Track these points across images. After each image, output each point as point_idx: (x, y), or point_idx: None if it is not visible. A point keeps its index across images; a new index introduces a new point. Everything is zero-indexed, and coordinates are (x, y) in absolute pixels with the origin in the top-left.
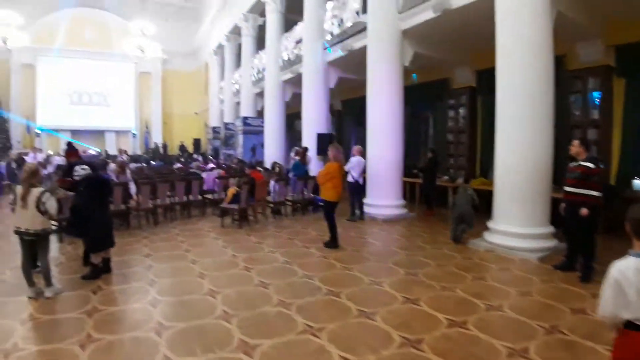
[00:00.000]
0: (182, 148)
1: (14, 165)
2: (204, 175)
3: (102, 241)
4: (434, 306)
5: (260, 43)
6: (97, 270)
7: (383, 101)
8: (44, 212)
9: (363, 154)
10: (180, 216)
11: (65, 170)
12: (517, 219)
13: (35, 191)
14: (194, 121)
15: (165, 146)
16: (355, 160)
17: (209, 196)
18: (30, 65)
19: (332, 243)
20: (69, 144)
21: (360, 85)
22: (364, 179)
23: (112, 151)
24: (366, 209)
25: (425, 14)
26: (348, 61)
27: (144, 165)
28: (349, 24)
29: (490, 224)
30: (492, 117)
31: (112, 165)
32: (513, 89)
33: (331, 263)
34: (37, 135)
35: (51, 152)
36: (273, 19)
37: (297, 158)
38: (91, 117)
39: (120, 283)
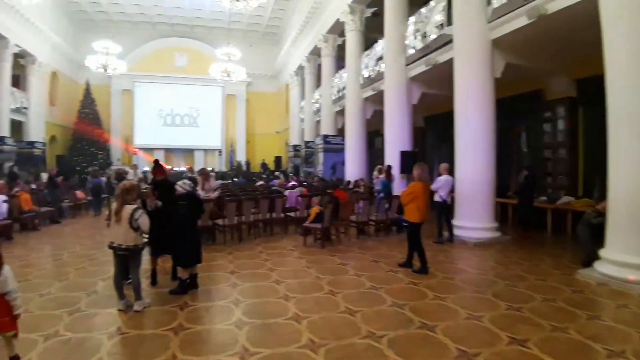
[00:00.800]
0: (264, 166)
1: (114, 180)
2: (286, 193)
3: (192, 257)
4: (546, 350)
5: (339, 62)
6: (185, 286)
7: (473, 116)
8: (136, 229)
9: (451, 171)
10: (263, 233)
11: (153, 187)
12: (636, 248)
13: (129, 208)
14: (276, 140)
15: (248, 164)
16: (443, 179)
17: (292, 214)
18: (128, 91)
19: (422, 269)
20: (156, 162)
21: (444, 100)
22: (452, 199)
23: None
24: (455, 231)
25: (518, 21)
26: (432, 76)
27: (229, 182)
28: (432, 37)
29: (603, 252)
30: (597, 131)
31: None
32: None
33: (422, 291)
34: (134, 153)
35: (147, 169)
36: (352, 38)
37: (382, 177)
38: (182, 137)
39: (206, 300)
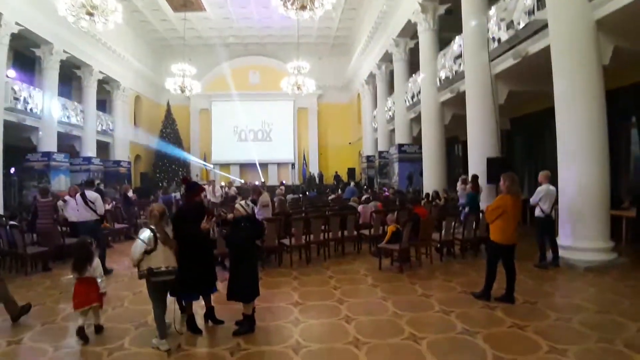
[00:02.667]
0: (337, 178)
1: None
2: (360, 208)
3: (255, 289)
4: None
5: (412, 67)
6: (252, 321)
7: (579, 112)
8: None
9: (552, 180)
10: (334, 252)
11: (187, 212)
12: None
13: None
14: (348, 151)
15: (321, 176)
16: (544, 189)
17: (365, 232)
18: (205, 110)
19: (483, 293)
20: (187, 181)
21: (534, 98)
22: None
23: (274, 182)
24: (560, 252)
25: None
26: (521, 70)
27: (300, 196)
28: (520, 25)
29: None
30: None
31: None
32: None
33: (531, 339)
34: (212, 169)
35: (223, 184)
36: (426, 38)
37: (467, 188)
38: (256, 152)
39: (262, 342)
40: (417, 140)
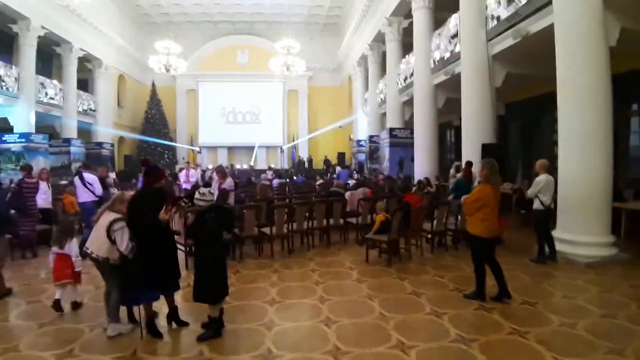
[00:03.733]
0: (327, 162)
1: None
2: (347, 195)
3: (223, 288)
4: None
5: (406, 48)
6: (218, 325)
7: (583, 97)
8: (113, 242)
9: (549, 170)
10: (318, 242)
11: (143, 199)
12: None
13: (111, 216)
14: (339, 135)
15: (310, 160)
16: (543, 179)
17: (353, 220)
18: (192, 91)
19: (476, 294)
20: (145, 162)
21: (532, 82)
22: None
23: (263, 165)
24: (558, 246)
25: None
26: (520, 51)
27: (287, 181)
28: (522, 1)
29: None
30: None
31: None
32: None
33: (531, 347)
34: (199, 152)
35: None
36: (421, 16)
37: (459, 175)
38: (244, 134)
39: (229, 351)
40: (409, 124)
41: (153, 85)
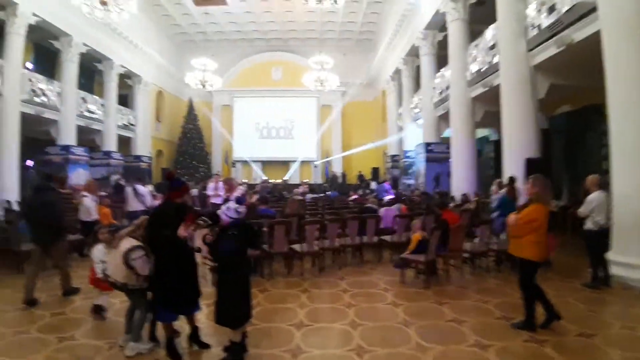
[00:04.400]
0: (361, 177)
1: (203, 191)
2: (381, 211)
3: (245, 312)
4: None
5: (441, 61)
6: (239, 351)
7: (636, 107)
8: (130, 268)
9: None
10: (351, 260)
11: (163, 214)
12: None
13: (129, 242)
14: (373, 150)
15: (344, 176)
16: (596, 197)
17: (387, 238)
18: (228, 106)
19: (526, 323)
20: (170, 176)
21: (577, 93)
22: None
23: (296, 180)
24: (613, 269)
25: None
26: (564, 61)
27: (321, 195)
28: (564, 8)
29: None
30: None
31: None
32: None
33: None
34: (233, 165)
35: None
36: (456, 28)
37: (502, 192)
38: (278, 149)
39: None
40: (445, 139)
41: (190, 100)
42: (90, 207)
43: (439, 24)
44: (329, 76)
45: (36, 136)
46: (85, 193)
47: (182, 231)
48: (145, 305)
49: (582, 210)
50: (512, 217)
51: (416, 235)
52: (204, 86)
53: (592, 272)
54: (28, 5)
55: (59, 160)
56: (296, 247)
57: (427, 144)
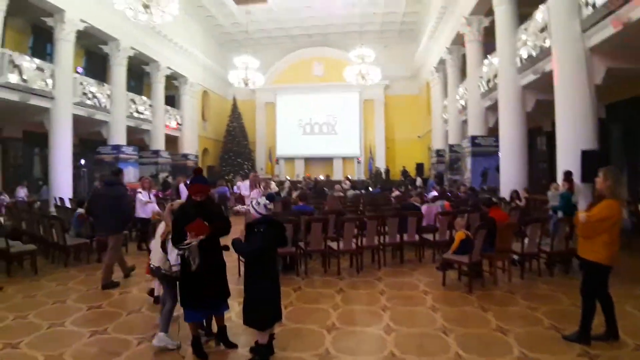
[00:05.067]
0: (405, 173)
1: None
2: (423, 208)
3: (273, 312)
4: None
5: (488, 49)
6: (265, 353)
7: None
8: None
9: None
10: (391, 259)
11: (182, 211)
12: None
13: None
14: (417, 145)
15: (387, 171)
16: None
17: (429, 236)
18: (270, 103)
19: (580, 335)
20: (197, 171)
21: (639, 78)
22: None
23: (339, 177)
24: None
25: None
26: (623, 42)
27: (362, 192)
28: None
29: None
30: None
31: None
32: None
33: None
34: (277, 162)
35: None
36: (503, 11)
37: (560, 187)
38: (321, 145)
39: None
40: (493, 131)
41: (234, 99)
42: (142, 202)
43: (484, 8)
44: (370, 69)
45: (89, 137)
46: (139, 189)
47: (189, 239)
48: (172, 296)
49: None
50: (582, 215)
51: (459, 234)
52: (246, 84)
53: None
54: (75, 12)
55: (110, 159)
56: (333, 245)
57: (474, 137)
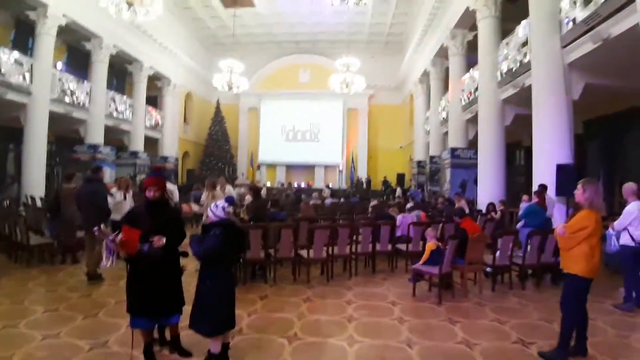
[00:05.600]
0: (385, 183)
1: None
2: (398, 218)
3: (226, 318)
4: None
5: (470, 63)
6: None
7: None
8: None
9: None
10: (363, 269)
11: (132, 214)
12: None
13: None
14: (399, 155)
15: (369, 181)
16: (635, 207)
17: (402, 246)
18: (254, 109)
19: (559, 353)
20: (157, 169)
21: (615, 95)
22: None
23: (320, 185)
24: None
25: None
26: (600, 58)
27: (341, 201)
28: (601, 0)
29: None
30: None
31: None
32: None
33: None
34: (258, 168)
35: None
36: (486, 26)
37: (531, 201)
38: (303, 153)
39: None
40: (473, 144)
41: (218, 103)
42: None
43: (469, 22)
44: (355, 78)
45: (65, 134)
46: (113, 189)
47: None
48: None
49: (618, 223)
50: (560, 227)
51: (430, 245)
52: (230, 88)
53: (625, 293)
54: (59, 6)
55: (86, 158)
56: (304, 253)
57: (454, 149)
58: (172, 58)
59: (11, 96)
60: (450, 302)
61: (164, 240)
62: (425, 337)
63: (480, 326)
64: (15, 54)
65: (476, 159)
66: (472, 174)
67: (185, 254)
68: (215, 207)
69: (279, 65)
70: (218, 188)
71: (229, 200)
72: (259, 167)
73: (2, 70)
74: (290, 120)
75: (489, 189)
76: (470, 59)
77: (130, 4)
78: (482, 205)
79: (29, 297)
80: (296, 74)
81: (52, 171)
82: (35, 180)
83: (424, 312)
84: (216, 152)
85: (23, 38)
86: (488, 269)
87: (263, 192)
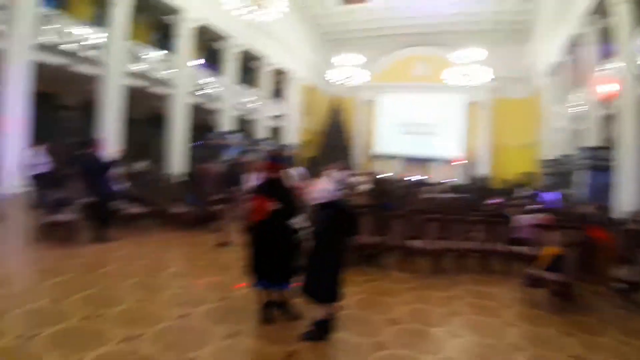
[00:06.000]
0: (509, 182)
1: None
2: (518, 218)
3: (336, 290)
4: None
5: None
6: (323, 328)
7: None
8: None
9: None
10: (475, 266)
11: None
12: None
13: None
14: (525, 153)
15: (488, 178)
16: None
17: (521, 249)
18: (370, 101)
19: None
20: (274, 155)
21: None
22: None
23: (438, 179)
24: None
25: None
26: None
27: (458, 196)
28: None
29: None
30: None
31: None
32: None
33: None
34: (373, 159)
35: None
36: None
37: None
38: (421, 146)
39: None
40: (612, 144)
41: (335, 95)
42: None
43: (602, 9)
44: (477, 70)
45: (201, 123)
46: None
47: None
48: None
49: None
50: None
51: (550, 250)
52: (347, 82)
53: None
54: (194, 10)
55: (217, 143)
56: (414, 243)
57: (588, 148)
58: (294, 53)
59: (156, 89)
60: (570, 315)
61: (278, 206)
62: (534, 344)
63: (600, 343)
64: (160, 52)
65: (614, 160)
66: (608, 177)
67: (296, 231)
68: (324, 190)
69: (395, 58)
70: (333, 173)
71: (340, 185)
72: (374, 157)
73: (149, 66)
74: (408, 113)
75: (630, 193)
76: (605, 48)
77: (257, 4)
78: (618, 212)
79: (168, 255)
80: (413, 66)
81: (191, 152)
82: (175, 159)
83: (537, 319)
84: (333, 141)
85: (163, 39)
86: (619, 285)
87: (379, 182)
